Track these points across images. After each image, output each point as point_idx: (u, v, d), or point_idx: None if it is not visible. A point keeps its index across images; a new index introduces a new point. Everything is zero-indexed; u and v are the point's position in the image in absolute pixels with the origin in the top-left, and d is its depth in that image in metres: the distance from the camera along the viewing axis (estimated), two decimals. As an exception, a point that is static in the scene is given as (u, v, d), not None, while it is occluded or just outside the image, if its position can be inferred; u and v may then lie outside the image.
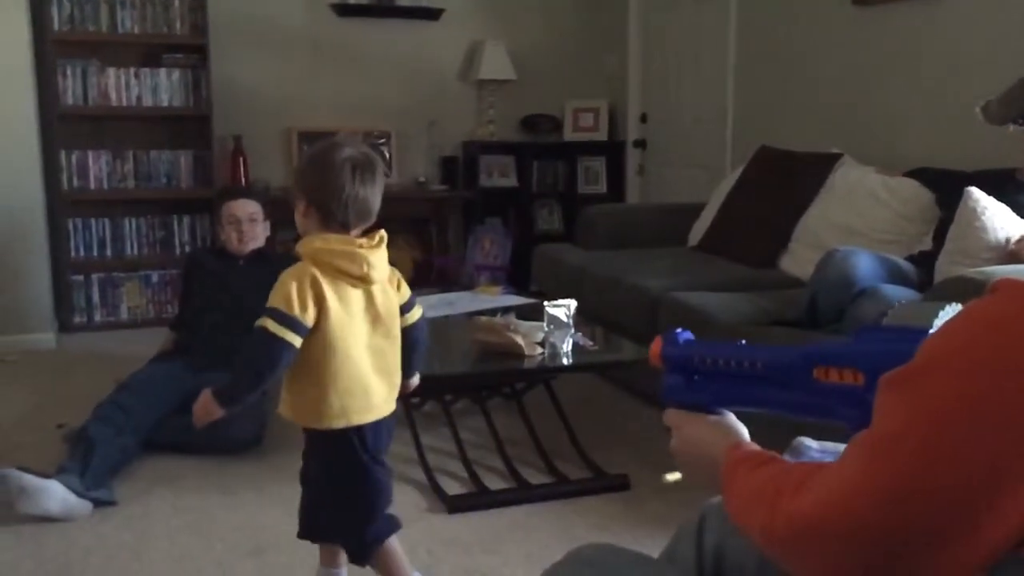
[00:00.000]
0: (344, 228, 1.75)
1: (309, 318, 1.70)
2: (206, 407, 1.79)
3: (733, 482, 0.91)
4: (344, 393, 1.75)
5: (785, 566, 0.80)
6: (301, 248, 1.76)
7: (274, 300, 1.71)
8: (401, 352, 1.87)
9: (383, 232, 1.81)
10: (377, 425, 1.82)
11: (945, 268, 2.68)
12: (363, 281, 1.75)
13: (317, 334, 1.72)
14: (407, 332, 1.89)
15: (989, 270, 2.49)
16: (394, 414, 1.87)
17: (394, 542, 1.93)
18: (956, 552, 0.68)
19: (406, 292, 1.89)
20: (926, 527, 0.69)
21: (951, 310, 0.90)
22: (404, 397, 3.06)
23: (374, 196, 1.77)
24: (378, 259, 1.77)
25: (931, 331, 0.85)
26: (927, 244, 2.97)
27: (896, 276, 2.73)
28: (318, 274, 1.72)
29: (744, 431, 1.02)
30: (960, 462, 0.67)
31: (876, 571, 0.71)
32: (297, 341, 1.70)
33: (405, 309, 1.89)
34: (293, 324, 1.69)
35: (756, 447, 0.97)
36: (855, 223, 3.32)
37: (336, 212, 1.73)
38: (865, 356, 0.89)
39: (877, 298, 2.56)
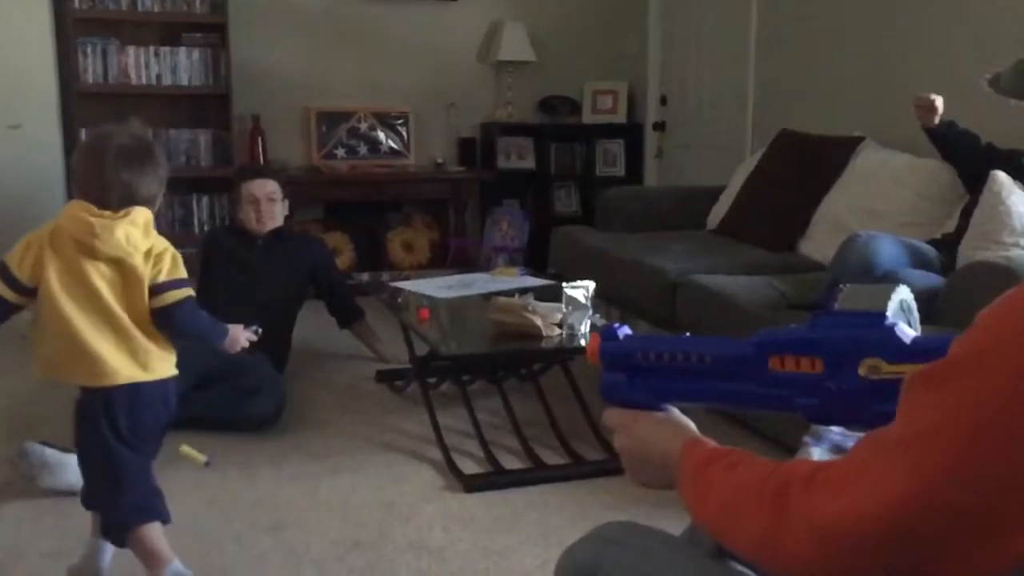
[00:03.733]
0: (101, 205, 1.82)
1: (26, 275, 1.80)
2: None
3: (705, 481, 0.87)
4: (54, 351, 1.84)
5: (789, 572, 0.77)
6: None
7: (7, 254, 1.83)
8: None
9: (136, 208, 1.84)
10: (120, 395, 1.83)
11: (968, 252, 2.65)
12: (90, 249, 1.80)
13: (40, 293, 1.82)
14: (155, 315, 1.87)
15: (1013, 255, 2.47)
16: (155, 393, 1.86)
17: (150, 531, 1.88)
18: (1002, 548, 0.66)
19: (162, 275, 1.86)
20: (973, 526, 0.67)
21: (901, 291, 0.89)
22: (419, 377, 3.08)
23: (139, 181, 1.84)
24: (110, 231, 1.79)
25: (887, 314, 0.84)
26: (950, 226, 2.94)
27: (919, 260, 2.71)
28: (46, 237, 1.82)
29: (692, 426, 0.99)
30: (1010, 457, 0.65)
31: (907, 571, 0.70)
32: (9, 295, 1.81)
33: (155, 290, 1.86)
34: (7, 277, 1.80)
35: (714, 443, 0.94)
36: (877, 205, 3.30)
37: (91, 193, 1.82)
38: (824, 343, 0.87)
39: (899, 283, 2.54)
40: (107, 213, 1.80)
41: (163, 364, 1.89)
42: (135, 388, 1.84)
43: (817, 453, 1.53)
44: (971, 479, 0.66)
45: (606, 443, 2.83)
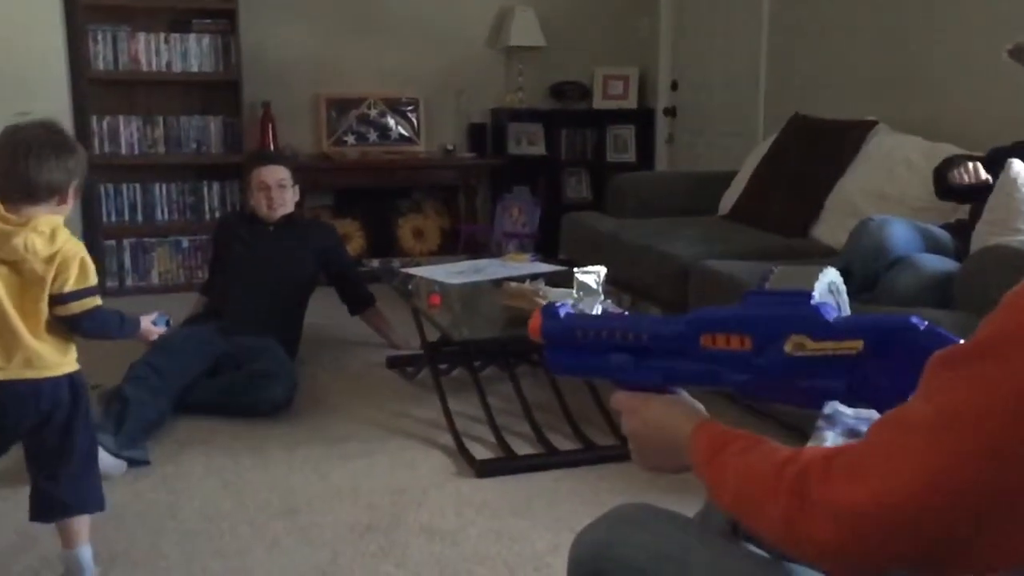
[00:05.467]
0: (6, 200, 1.83)
1: None
2: None
3: (720, 467, 0.87)
4: None
5: (814, 558, 0.76)
6: None
7: None
8: None
9: (46, 218, 1.85)
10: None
11: (983, 238, 2.63)
12: None
13: None
14: (62, 321, 1.90)
15: (1029, 239, 2.45)
16: (30, 390, 1.86)
17: None
18: None
19: (68, 285, 1.88)
20: (1002, 508, 0.66)
21: (830, 273, 0.91)
22: (430, 363, 3.09)
23: (41, 174, 1.85)
24: (7, 238, 1.80)
25: (813, 293, 0.87)
26: (964, 211, 2.92)
27: (932, 245, 2.69)
28: None
29: (702, 408, 0.99)
30: None
31: (938, 553, 0.69)
32: None
33: (61, 300, 1.88)
34: None
35: (725, 426, 0.93)
36: (890, 190, 3.28)
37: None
38: (753, 321, 0.90)
39: (912, 267, 2.53)
40: (11, 219, 1.82)
41: (46, 363, 1.89)
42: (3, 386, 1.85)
43: (831, 437, 1.52)
44: (1001, 459, 0.66)
45: (618, 429, 2.82)
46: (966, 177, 2.71)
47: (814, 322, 0.86)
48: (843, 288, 0.94)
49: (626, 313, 1.05)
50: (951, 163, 2.82)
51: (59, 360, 1.90)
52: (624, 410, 1.02)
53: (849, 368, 0.84)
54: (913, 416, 0.72)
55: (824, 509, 0.73)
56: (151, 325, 2.14)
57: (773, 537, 0.80)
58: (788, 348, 0.87)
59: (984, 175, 2.70)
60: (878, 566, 0.73)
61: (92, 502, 1.97)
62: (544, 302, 2.65)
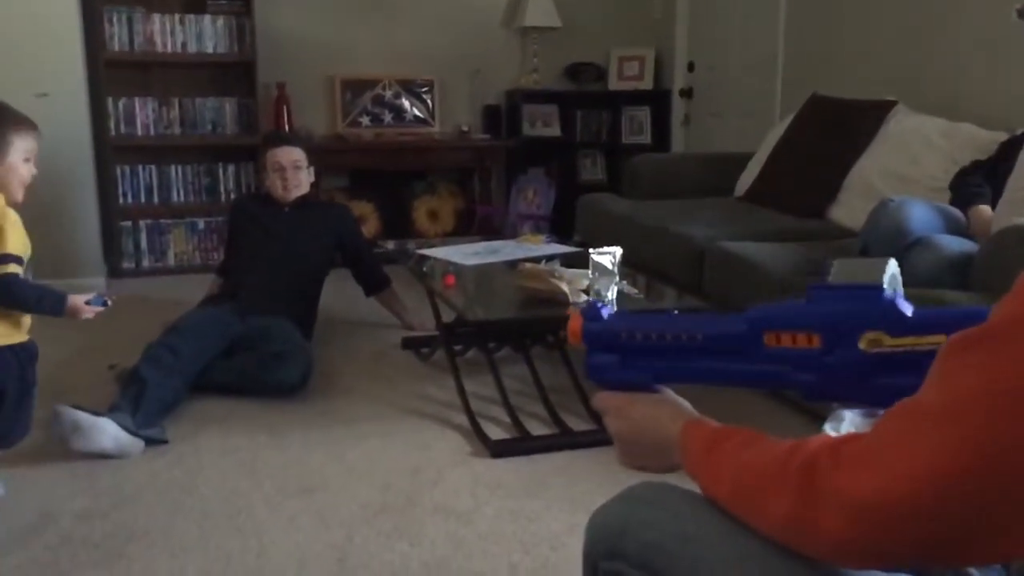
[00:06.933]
0: None
1: None
2: None
3: (716, 462, 0.86)
4: None
5: (821, 551, 0.75)
6: None
7: None
8: None
9: None
10: None
11: (1002, 218, 2.61)
12: None
13: None
14: None
15: (1049, 220, 2.42)
16: None
17: None
18: None
19: None
20: (1013, 498, 0.64)
21: (892, 266, 0.87)
22: (445, 344, 3.09)
23: None
24: None
25: (883, 286, 0.83)
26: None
27: (951, 226, 2.66)
28: None
29: (689, 406, 0.97)
30: None
31: (950, 543, 0.68)
32: None
33: None
34: None
35: (715, 422, 0.92)
36: (909, 171, 3.24)
37: None
38: (820, 317, 0.85)
39: (931, 248, 2.50)
40: None
41: None
42: None
43: (849, 417, 1.52)
44: (1012, 446, 0.64)
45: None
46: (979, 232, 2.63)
47: (891, 317, 0.82)
48: (900, 281, 0.89)
49: (675, 312, 1.01)
50: (965, 189, 2.80)
51: None
52: (609, 410, 1.01)
53: (928, 364, 0.79)
54: (924, 403, 0.70)
55: (834, 499, 0.71)
56: (81, 304, 2.17)
57: (776, 531, 0.78)
58: (863, 345, 0.83)
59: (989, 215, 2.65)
60: (889, 557, 0.71)
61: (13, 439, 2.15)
62: (560, 283, 2.65)
